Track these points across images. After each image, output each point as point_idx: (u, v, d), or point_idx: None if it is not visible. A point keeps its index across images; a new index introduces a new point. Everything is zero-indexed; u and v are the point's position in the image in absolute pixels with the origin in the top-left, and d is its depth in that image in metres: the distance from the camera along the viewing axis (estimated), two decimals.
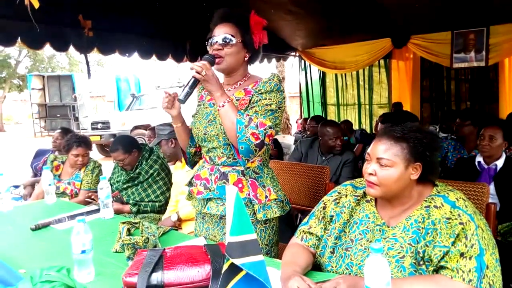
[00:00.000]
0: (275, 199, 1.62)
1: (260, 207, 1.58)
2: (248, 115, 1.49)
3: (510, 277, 2.16)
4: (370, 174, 1.27)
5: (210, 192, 1.64)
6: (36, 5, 2.08)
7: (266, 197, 1.60)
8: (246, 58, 1.63)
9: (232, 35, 1.55)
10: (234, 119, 1.47)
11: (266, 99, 1.54)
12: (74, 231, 1.33)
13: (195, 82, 1.50)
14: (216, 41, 1.56)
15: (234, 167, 1.61)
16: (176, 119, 1.72)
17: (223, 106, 1.49)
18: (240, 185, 1.59)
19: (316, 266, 1.41)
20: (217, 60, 1.55)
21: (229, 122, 1.48)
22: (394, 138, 1.26)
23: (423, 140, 1.25)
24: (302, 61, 7.70)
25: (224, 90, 1.54)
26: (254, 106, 1.54)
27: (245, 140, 1.47)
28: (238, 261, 1.03)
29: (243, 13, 1.60)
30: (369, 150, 1.32)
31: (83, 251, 1.33)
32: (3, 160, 10.03)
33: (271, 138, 1.52)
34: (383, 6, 5.11)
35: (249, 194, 1.58)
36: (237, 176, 1.60)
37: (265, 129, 1.48)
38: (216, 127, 1.60)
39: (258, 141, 1.47)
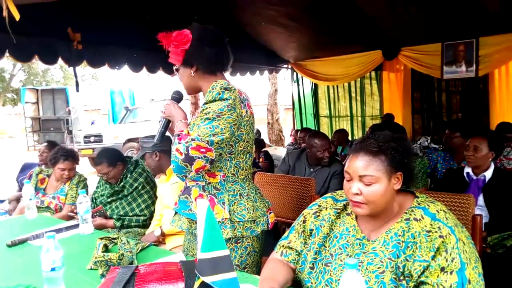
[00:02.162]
0: (229, 219, 1.53)
1: None
2: (181, 131, 1.51)
3: None
4: (356, 194, 1.22)
5: (176, 206, 1.65)
6: (17, 16, 2.05)
7: (223, 215, 1.53)
8: (193, 73, 1.58)
9: (173, 64, 1.62)
10: None
11: (206, 108, 1.49)
12: (44, 248, 1.28)
13: (165, 122, 1.67)
14: None
15: (197, 182, 1.58)
16: None
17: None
18: (206, 199, 1.55)
19: (296, 282, 1.37)
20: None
21: None
22: (371, 152, 1.21)
23: (399, 148, 1.22)
24: (294, 73, 7.74)
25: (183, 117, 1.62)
26: (197, 118, 1.51)
27: (173, 158, 1.48)
28: (209, 279, 0.99)
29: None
30: (346, 168, 1.26)
31: (53, 269, 1.28)
32: None
33: (201, 150, 1.43)
34: (373, 19, 5.16)
35: None
36: (199, 191, 1.57)
37: (186, 142, 1.44)
38: None
39: (182, 156, 1.44)
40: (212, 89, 1.50)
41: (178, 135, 1.49)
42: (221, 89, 1.49)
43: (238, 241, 1.56)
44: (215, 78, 1.58)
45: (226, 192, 1.56)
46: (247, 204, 1.58)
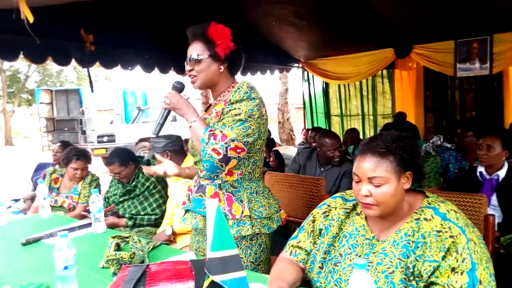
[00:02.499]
0: (249, 215, 1.55)
1: (234, 222, 1.54)
2: (211, 130, 1.49)
3: None
4: (366, 196, 1.21)
5: (189, 204, 1.65)
6: (31, 19, 2.09)
7: (242, 212, 1.55)
8: (222, 70, 1.58)
9: (198, 53, 1.55)
10: (200, 137, 1.49)
11: (235, 109, 1.50)
12: (57, 247, 1.31)
13: (165, 112, 1.59)
14: (187, 62, 1.59)
15: (212, 180, 1.59)
16: (181, 173, 1.77)
17: (190, 126, 1.53)
18: (216, 199, 1.56)
19: (305, 282, 1.37)
20: (191, 79, 1.60)
21: (196, 141, 1.53)
22: (379, 154, 1.20)
23: (406, 148, 1.21)
24: (305, 72, 7.71)
25: (194, 110, 1.58)
26: (223, 118, 1.52)
27: (208, 157, 1.47)
28: (218, 278, 1.00)
29: (204, 27, 1.56)
30: (355, 170, 1.25)
31: (66, 267, 1.30)
32: (8, 174, 10.11)
33: (238, 150, 1.48)
34: (384, 16, 5.11)
35: (224, 209, 1.54)
36: (214, 189, 1.58)
37: (226, 143, 1.45)
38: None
39: (220, 156, 1.46)
40: (238, 88, 1.54)
41: (212, 134, 1.48)
42: (247, 88, 1.53)
43: (253, 238, 1.59)
44: (232, 79, 1.64)
45: (243, 190, 1.58)
46: (263, 201, 1.61)
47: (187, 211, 1.69)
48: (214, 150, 1.45)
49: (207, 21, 1.55)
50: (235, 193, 1.57)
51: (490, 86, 5.89)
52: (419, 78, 6.44)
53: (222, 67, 1.58)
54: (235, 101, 1.51)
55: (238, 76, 1.74)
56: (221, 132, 1.47)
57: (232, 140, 1.46)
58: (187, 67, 1.59)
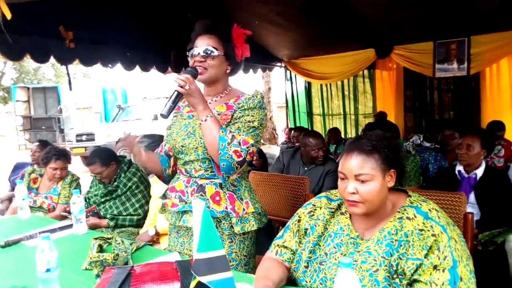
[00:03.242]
0: (253, 212, 1.61)
1: (238, 220, 1.58)
2: (230, 131, 1.49)
3: (492, 286, 2.16)
4: (352, 193, 1.23)
5: (186, 205, 1.61)
6: (8, 16, 2.04)
7: (244, 210, 1.59)
8: (228, 71, 1.63)
9: (214, 47, 1.55)
10: (217, 135, 1.47)
11: (249, 115, 1.53)
12: (39, 249, 1.28)
13: (178, 96, 1.49)
14: (198, 53, 1.56)
15: (212, 180, 1.60)
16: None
17: (205, 120, 1.49)
18: (217, 198, 1.57)
19: (291, 281, 1.38)
20: (199, 71, 1.56)
21: (211, 137, 1.49)
22: (365, 152, 1.23)
23: (391, 146, 1.24)
24: (288, 72, 7.74)
25: (207, 103, 1.55)
26: (236, 123, 1.53)
27: (227, 157, 1.47)
28: (205, 279, 0.99)
29: (226, 26, 1.60)
30: (341, 168, 1.27)
31: (48, 270, 1.27)
32: None
33: (252, 155, 1.53)
34: (366, 17, 5.17)
35: (226, 207, 1.56)
36: (215, 189, 1.58)
37: (247, 147, 1.49)
38: (196, 140, 1.58)
39: (240, 158, 1.48)
40: (253, 96, 1.58)
41: (233, 135, 1.48)
42: (261, 97, 1.59)
43: (245, 233, 1.63)
44: (228, 83, 1.68)
45: (243, 188, 1.63)
46: (256, 198, 1.68)
47: (184, 212, 1.64)
48: (235, 152, 1.47)
49: (226, 19, 1.60)
50: (236, 192, 1.61)
51: (468, 87, 6.05)
52: (399, 78, 6.57)
53: (228, 68, 1.62)
54: (249, 107, 1.55)
55: None
56: (239, 135, 1.49)
57: (252, 145, 1.51)
58: (197, 58, 1.55)
